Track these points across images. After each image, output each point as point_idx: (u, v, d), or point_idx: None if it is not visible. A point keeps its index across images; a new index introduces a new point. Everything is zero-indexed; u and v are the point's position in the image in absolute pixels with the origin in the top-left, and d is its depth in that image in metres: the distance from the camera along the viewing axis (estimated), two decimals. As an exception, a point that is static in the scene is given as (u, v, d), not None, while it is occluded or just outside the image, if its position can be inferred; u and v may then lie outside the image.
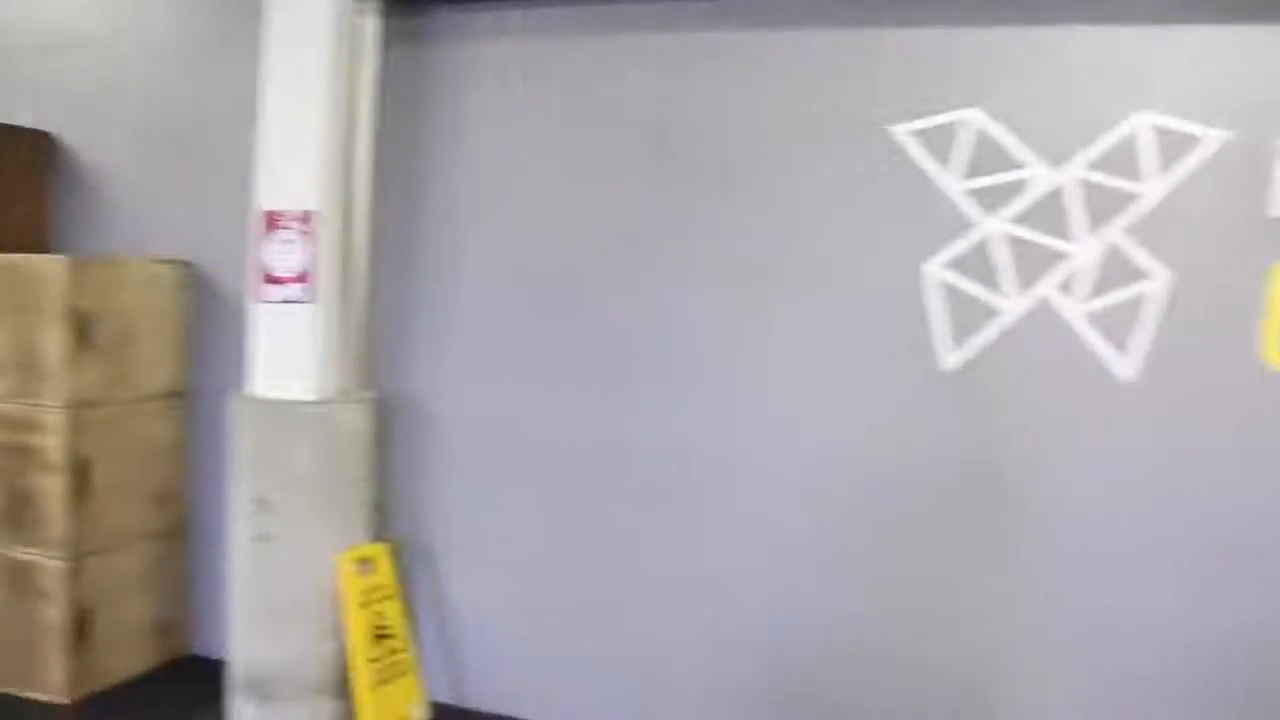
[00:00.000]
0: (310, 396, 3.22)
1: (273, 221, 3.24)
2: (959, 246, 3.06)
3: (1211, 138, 2.97)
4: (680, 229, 3.22)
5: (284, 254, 3.21)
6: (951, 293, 3.07)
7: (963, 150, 3.05)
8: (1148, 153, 2.99)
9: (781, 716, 3.23)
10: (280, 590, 3.21)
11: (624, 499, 3.30)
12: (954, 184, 3.06)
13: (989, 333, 3.06)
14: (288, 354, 3.22)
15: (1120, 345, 3.01)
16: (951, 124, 3.07)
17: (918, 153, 3.08)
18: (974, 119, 3.06)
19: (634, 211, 3.25)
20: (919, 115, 3.08)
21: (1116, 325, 3.01)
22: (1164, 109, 2.98)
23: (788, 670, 3.21)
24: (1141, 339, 3.00)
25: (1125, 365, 3.01)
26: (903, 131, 3.09)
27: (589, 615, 3.34)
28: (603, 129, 3.29)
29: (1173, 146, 2.98)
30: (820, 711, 3.20)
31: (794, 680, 3.21)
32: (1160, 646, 3.03)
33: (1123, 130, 3.00)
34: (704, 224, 3.19)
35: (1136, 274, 3.00)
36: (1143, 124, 2.99)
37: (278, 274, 3.24)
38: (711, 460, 3.23)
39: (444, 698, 3.49)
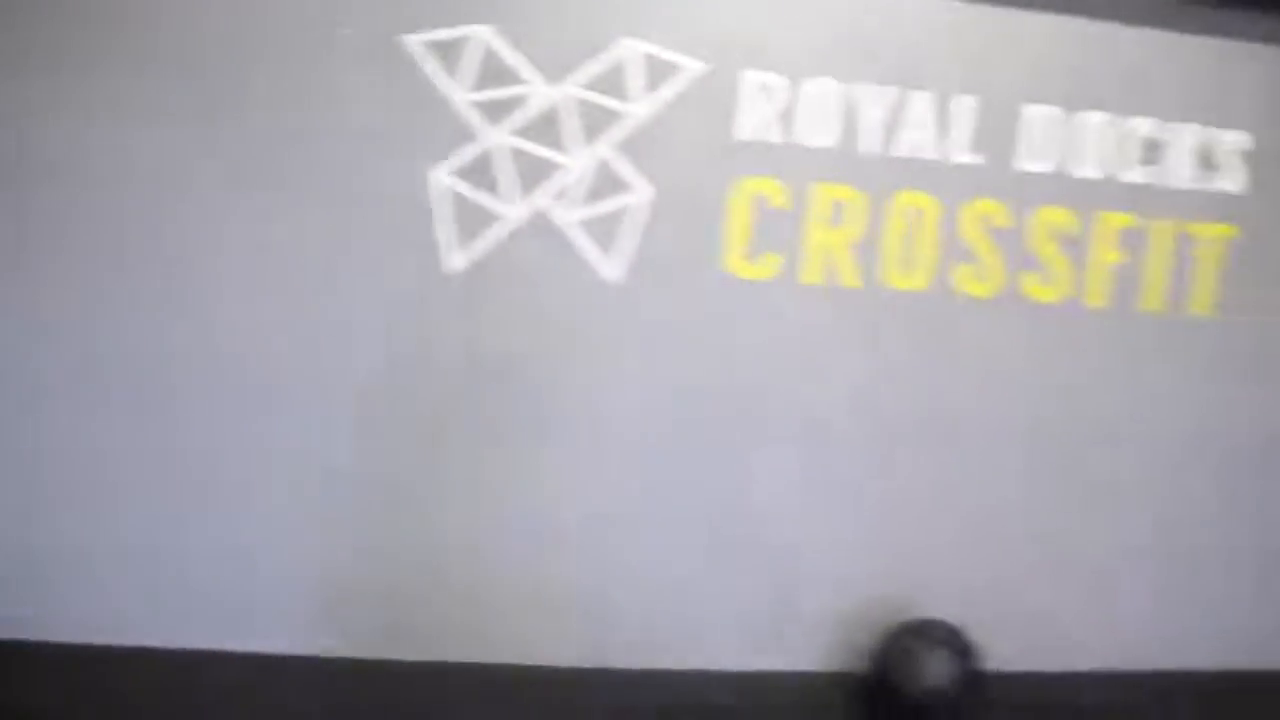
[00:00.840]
0: None
1: None
2: (464, 155, 3.22)
3: (689, 67, 3.30)
4: (178, 131, 3.13)
5: None
6: (456, 199, 3.23)
7: (470, 63, 3.21)
8: (635, 77, 3.27)
9: (297, 629, 3.32)
10: None
11: (126, 409, 3.23)
12: (460, 95, 3.21)
13: (491, 238, 3.26)
14: None
15: (608, 251, 3.30)
16: (460, 38, 3.21)
17: (427, 64, 3.19)
18: (481, 34, 3.22)
19: (130, 107, 3.15)
20: (428, 27, 3.20)
21: (605, 233, 3.30)
22: (650, 38, 3.27)
23: (300, 572, 3.30)
24: (626, 246, 3.31)
25: (612, 270, 3.31)
26: (413, 42, 3.20)
27: (98, 534, 3.26)
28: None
29: (657, 72, 3.28)
30: (326, 616, 3.33)
31: (306, 580, 3.31)
32: (657, 533, 3.42)
33: (614, 54, 3.26)
34: (205, 125, 3.15)
35: (623, 186, 3.29)
36: (631, 50, 3.27)
37: None
38: (212, 366, 3.20)
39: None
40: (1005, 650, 3.40)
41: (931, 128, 3.42)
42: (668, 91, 3.31)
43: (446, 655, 3.34)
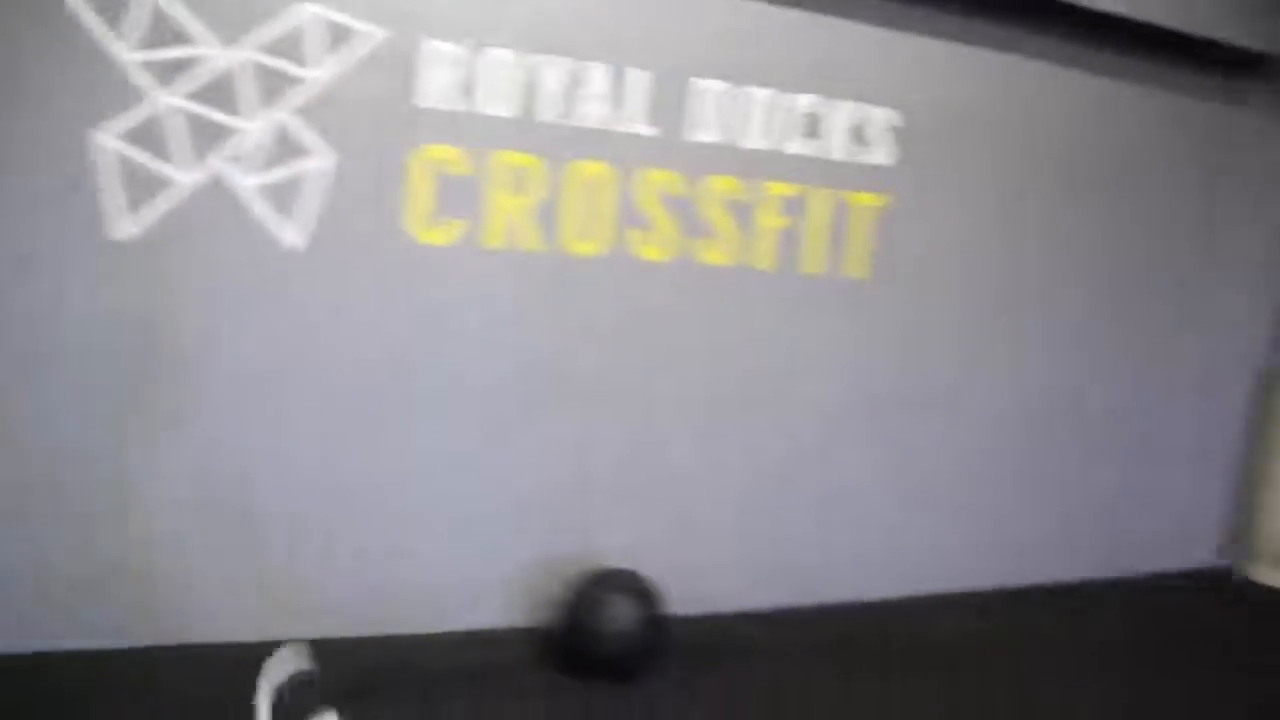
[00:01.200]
0: None
1: None
2: (132, 117, 3.16)
3: (370, 33, 3.35)
4: None
5: None
6: (124, 163, 3.17)
7: (137, 21, 3.14)
8: (314, 41, 3.29)
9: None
10: None
11: None
12: (128, 55, 3.14)
13: (163, 203, 3.22)
14: None
15: (288, 217, 3.33)
16: (126, -5, 3.13)
17: (90, 21, 3.10)
18: (149, -8, 3.15)
19: None
20: (91, -17, 3.10)
21: (285, 199, 3.32)
22: (328, 3, 3.29)
23: None
24: (307, 212, 3.35)
25: (293, 235, 3.34)
26: (73, -1, 3.10)
27: None
28: None
29: (337, 38, 3.31)
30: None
31: None
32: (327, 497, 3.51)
33: (292, 18, 3.26)
34: None
35: (302, 151, 3.31)
36: (310, 14, 3.28)
37: None
38: None
39: None
40: (684, 595, 3.67)
41: (607, 99, 3.60)
42: (347, 57, 3.35)
43: (147, 640, 3.34)
